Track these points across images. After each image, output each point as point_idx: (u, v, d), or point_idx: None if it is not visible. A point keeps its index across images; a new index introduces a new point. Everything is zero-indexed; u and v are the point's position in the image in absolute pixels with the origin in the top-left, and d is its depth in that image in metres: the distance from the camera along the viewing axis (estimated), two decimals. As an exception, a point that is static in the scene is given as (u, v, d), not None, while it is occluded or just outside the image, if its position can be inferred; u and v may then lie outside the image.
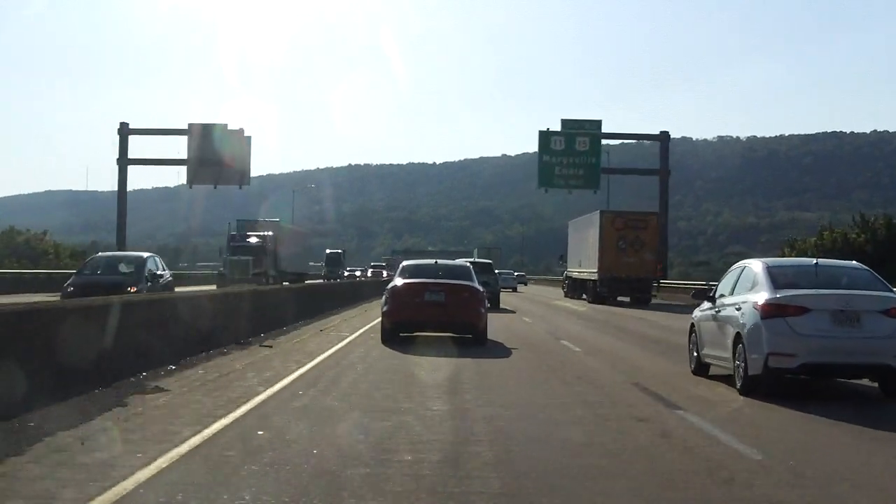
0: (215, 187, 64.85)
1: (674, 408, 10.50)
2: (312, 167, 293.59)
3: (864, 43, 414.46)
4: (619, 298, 42.80)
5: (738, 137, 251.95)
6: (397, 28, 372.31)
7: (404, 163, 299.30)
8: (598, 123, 59.93)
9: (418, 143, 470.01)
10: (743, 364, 11.71)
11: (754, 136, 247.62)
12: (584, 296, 46.20)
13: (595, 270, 41.46)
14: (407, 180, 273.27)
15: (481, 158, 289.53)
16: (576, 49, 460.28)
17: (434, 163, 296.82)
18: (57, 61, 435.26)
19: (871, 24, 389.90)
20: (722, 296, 13.44)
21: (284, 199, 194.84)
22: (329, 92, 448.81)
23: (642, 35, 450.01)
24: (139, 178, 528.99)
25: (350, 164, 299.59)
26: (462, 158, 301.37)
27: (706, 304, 14.00)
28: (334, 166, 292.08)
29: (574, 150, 58.37)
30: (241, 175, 62.50)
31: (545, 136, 59.08)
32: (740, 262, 13.65)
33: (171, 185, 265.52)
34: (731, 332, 12.25)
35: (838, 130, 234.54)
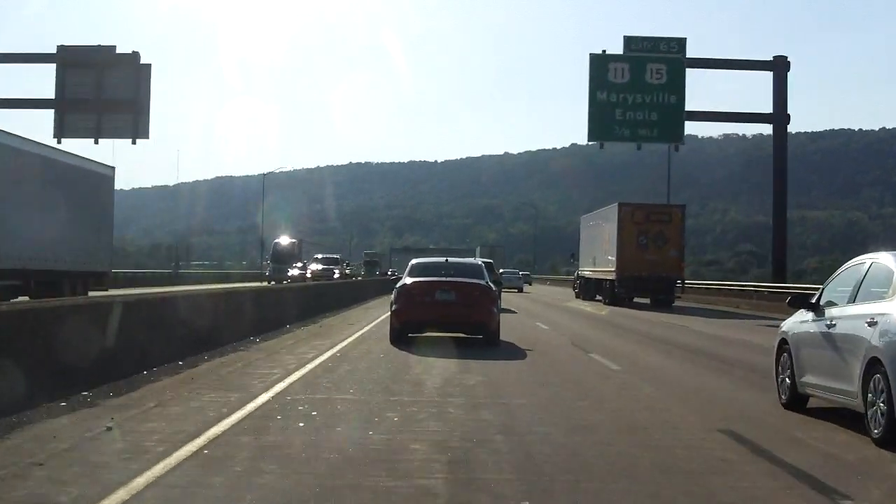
0: (96, 142, 42.33)
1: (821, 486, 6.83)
2: (313, 165, 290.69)
3: (871, 40, 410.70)
4: (637, 300, 39.17)
5: (743, 135, 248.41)
6: (398, 27, 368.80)
7: (405, 161, 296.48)
8: (682, 43, 41.67)
9: (419, 142, 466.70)
10: (884, 403, 8.05)
11: (760, 134, 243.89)
12: (599, 297, 42.60)
13: (612, 269, 37.79)
14: (408, 178, 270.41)
15: (483, 156, 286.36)
16: (576, 47, 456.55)
17: (436, 161, 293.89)
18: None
19: (877, 22, 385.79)
20: (831, 303, 9.80)
21: (287, 198, 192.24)
22: (330, 91, 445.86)
23: (643, 33, 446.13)
24: (137, 177, 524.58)
25: (351, 163, 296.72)
26: (464, 156, 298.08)
27: (805, 315, 10.33)
28: (335, 164, 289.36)
29: (644, 84, 40.68)
30: (135, 123, 41.96)
31: (600, 63, 40.92)
32: (861, 258, 9.89)
33: (171, 183, 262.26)
34: (861, 356, 8.58)
35: (846, 128, 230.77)
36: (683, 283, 38.22)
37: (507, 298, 44.93)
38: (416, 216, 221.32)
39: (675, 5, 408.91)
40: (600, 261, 41.05)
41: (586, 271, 45.19)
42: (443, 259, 19.16)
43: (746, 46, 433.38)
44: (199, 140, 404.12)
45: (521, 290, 63.28)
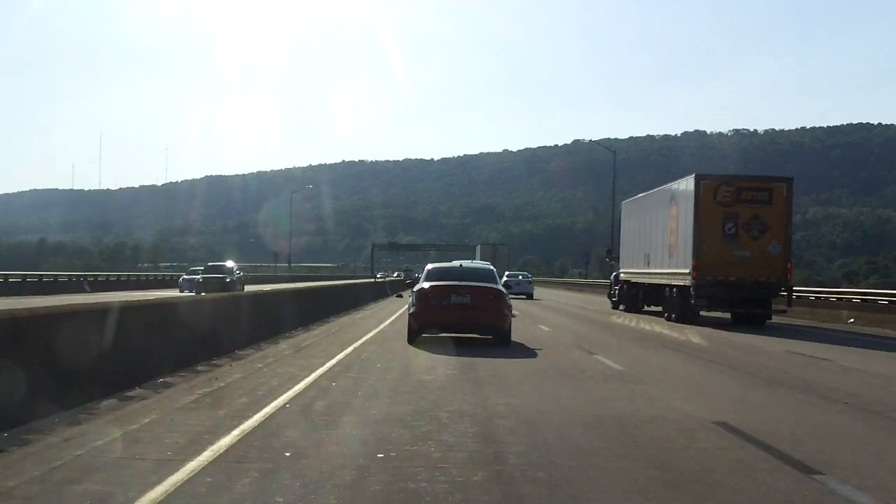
0: None
1: None
2: (305, 164, 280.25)
3: (887, 33, 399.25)
4: (705, 313, 27.49)
5: (755, 130, 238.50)
6: (396, 27, 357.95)
7: (400, 159, 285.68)
8: None
9: (415, 140, 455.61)
10: None
11: (773, 129, 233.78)
12: (653, 308, 31.12)
13: (684, 270, 26.08)
14: (404, 177, 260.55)
15: (481, 154, 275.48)
16: (577, 43, 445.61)
17: (432, 159, 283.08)
18: (58, 60, 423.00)
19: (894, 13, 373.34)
20: None
21: (279, 197, 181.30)
22: (324, 90, 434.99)
23: (648, 30, 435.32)
24: (126, 177, 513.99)
25: (344, 161, 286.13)
26: (461, 154, 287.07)
27: None
28: (328, 163, 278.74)
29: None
30: None
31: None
32: None
33: (159, 182, 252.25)
34: None
35: (865, 122, 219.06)
36: (791, 291, 26.28)
37: (525, 309, 33.29)
38: (412, 215, 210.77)
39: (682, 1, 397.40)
40: (659, 259, 29.33)
41: (633, 274, 33.41)
42: (457, 264, 20.20)
43: (765, 40, 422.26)
44: (192, 140, 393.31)
45: (530, 297, 51.62)
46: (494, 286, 17.52)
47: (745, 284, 25.39)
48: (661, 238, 29.27)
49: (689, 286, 25.68)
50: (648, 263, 30.93)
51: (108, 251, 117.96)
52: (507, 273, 55.74)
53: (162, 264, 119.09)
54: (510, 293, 49.66)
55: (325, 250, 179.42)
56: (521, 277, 55.53)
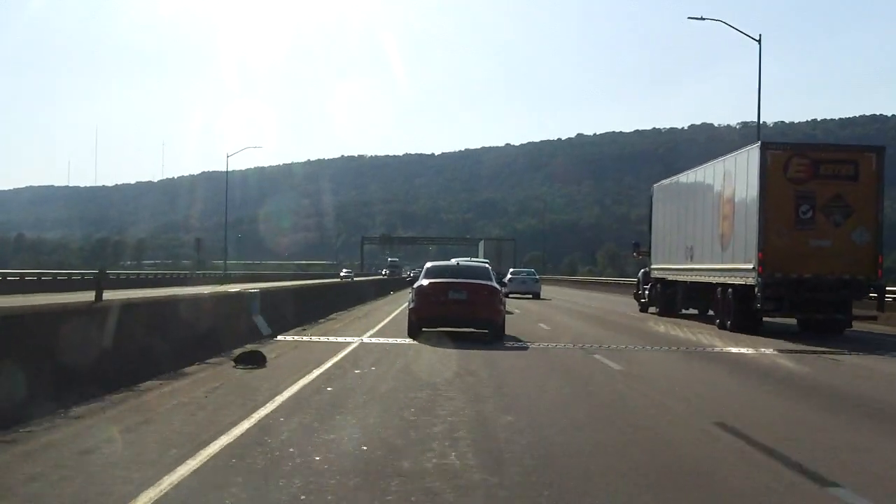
0: None
1: None
2: (303, 160, 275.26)
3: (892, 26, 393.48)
4: (768, 319, 22.06)
5: (764, 123, 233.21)
6: (396, 27, 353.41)
7: (400, 154, 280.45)
8: None
9: (417, 139, 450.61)
10: None
11: (783, 122, 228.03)
12: (694, 310, 25.79)
13: (748, 266, 20.61)
14: (404, 172, 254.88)
15: (483, 148, 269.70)
16: (578, 34, 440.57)
17: (433, 153, 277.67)
18: (57, 60, 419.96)
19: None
20: None
21: (279, 193, 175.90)
22: (327, 91, 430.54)
23: (648, 29, 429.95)
24: (123, 174, 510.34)
25: (343, 156, 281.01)
26: (463, 148, 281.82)
27: None
28: (326, 158, 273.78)
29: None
30: None
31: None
32: None
33: (155, 178, 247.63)
34: None
35: (879, 114, 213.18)
36: (884, 292, 20.82)
37: (515, 305, 27.93)
38: (412, 210, 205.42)
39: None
40: (708, 252, 23.86)
41: (670, 270, 27.90)
42: (454, 262, 22.43)
43: (772, 32, 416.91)
44: (190, 136, 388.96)
45: (537, 296, 46.17)
46: (489, 283, 18.49)
47: (824, 283, 19.92)
48: (709, 226, 23.78)
49: (753, 286, 20.18)
50: (691, 258, 25.44)
51: (88, 248, 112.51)
52: (511, 270, 50.56)
53: (146, 262, 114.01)
54: (513, 292, 44.29)
55: (322, 246, 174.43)
56: (525, 275, 50.23)
